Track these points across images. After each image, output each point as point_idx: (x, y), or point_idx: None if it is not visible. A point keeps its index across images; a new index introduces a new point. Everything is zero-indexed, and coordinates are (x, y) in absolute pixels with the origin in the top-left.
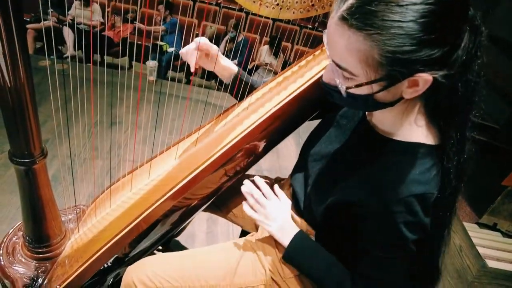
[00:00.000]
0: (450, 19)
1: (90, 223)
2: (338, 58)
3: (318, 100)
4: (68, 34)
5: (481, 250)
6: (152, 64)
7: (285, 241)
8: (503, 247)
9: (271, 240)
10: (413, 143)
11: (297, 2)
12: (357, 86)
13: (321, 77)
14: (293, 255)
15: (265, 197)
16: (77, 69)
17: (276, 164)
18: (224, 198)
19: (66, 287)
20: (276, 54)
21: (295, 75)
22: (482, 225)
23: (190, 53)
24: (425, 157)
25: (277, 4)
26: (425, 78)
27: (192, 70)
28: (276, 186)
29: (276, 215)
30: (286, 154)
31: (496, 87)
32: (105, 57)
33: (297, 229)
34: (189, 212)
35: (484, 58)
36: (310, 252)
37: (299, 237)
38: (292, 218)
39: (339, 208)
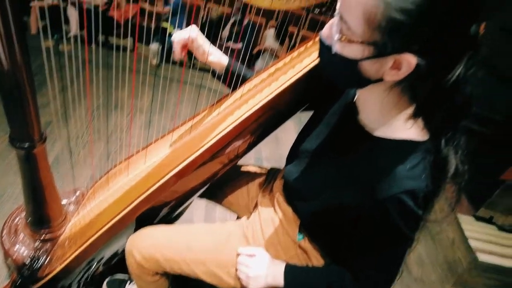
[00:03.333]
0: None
1: (89, 207)
2: (345, 8)
3: (308, 92)
4: (72, 14)
5: (474, 243)
6: (154, 47)
7: (280, 280)
8: (497, 241)
9: (259, 224)
10: (401, 141)
11: None
12: (350, 41)
13: (311, 68)
14: (293, 284)
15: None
16: (80, 50)
17: (276, 152)
18: (219, 185)
19: (65, 267)
20: (282, 39)
21: (287, 66)
22: (478, 218)
23: (177, 41)
24: (413, 153)
25: None
26: (409, 60)
27: (176, 59)
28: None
29: (261, 272)
30: (287, 143)
31: (506, 79)
32: (109, 38)
33: (282, 266)
34: (184, 198)
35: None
36: (304, 275)
37: (288, 271)
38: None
39: (330, 209)
